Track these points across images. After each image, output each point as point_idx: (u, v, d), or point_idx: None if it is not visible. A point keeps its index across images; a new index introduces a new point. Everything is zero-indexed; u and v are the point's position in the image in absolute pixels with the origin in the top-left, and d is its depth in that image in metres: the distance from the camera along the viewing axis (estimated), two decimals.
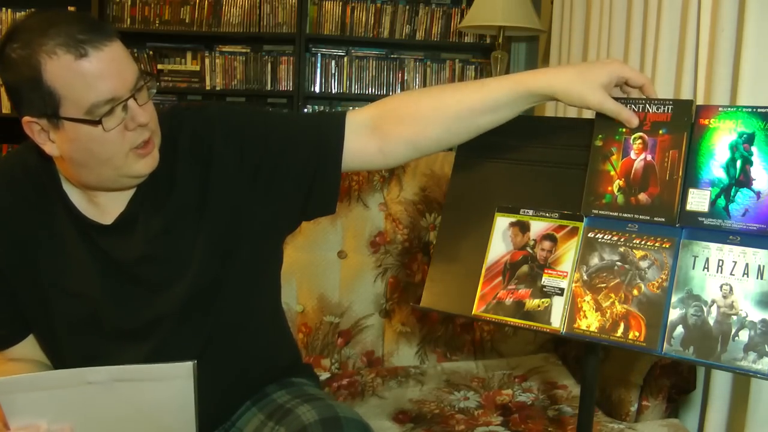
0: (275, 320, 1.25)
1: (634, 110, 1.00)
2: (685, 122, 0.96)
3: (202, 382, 0.96)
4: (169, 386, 0.91)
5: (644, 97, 1.00)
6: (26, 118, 0.94)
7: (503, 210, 1.05)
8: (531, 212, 1.03)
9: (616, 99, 1.00)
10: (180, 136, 1.06)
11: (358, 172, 1.75)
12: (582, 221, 0.99)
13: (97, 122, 0.91)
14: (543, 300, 0.98)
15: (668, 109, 0.98)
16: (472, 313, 1.02)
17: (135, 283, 1.04)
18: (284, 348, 1.28)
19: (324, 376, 1.64)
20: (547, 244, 1.00)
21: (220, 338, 1.08)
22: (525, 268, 1.01)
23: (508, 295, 1.00)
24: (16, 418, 0.88)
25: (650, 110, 0.99)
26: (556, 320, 0.96)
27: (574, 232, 0.99)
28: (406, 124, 1.05)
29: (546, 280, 0.99)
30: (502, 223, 1.04)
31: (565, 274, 0.97)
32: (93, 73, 0.90)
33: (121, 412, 0.92)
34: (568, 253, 0.98)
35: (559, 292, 0.97)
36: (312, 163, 1.07)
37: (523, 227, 1.02)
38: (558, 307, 0.97)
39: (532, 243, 1.01)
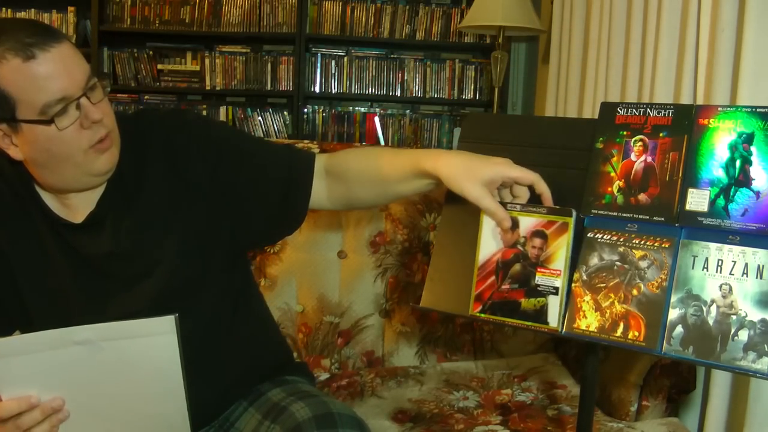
0: (258, 319, 1.26)
1: (635, 114, 1.00)
2: (686, 125, 0.96)
3: (189, 381, 0.99)
4: (154, 342, 0.93)
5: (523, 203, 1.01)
6: None
7: None
8: (518, 207, 1.00)
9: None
10: (152, 137, 1.09)
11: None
12: (571, 216, 0.96)
13: (50, 122, 0.94)
14: (538, 299, 0.97)
15: (669, 113, 0.98)
16: (469, 313, 1.01)
17: (105, 278, 1.07)
18: (272, 345, 1.29)
19: (324, 376, 1.64)
20: (537, 242, 0.98)
21: (200, 338, 1.09)
22: (517, 266, 0.99)
23: (504, 295, 0.99)
24: (6, 387, 0.90)
25: (651, 114, 0.99)
26: (553, 320, 0.95)
27: (564, 228, 0.97)
28: (341, 181, 1.12)
29: (539, 279, 0.97)
30: (489, 220, 1.01)
31: (558, 272, 0.96)
32: (42, 74, 0.93)
33: (109, 373, 0.94)
34: (560, 250, 0.96)
35: (554, 291, 0.96)
36: (284, 193, 1.12)
37: (512, 224, 1.00)
38: (554, 307, 0.96)
39: (522, 240, 0.99)
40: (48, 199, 1.06)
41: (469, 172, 0.97)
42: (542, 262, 0.97)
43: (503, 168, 0.98)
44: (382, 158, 1.09)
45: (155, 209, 1.07)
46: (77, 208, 1.06)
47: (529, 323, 0.97)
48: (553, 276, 0.96)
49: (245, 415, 1.17)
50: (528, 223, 0.99)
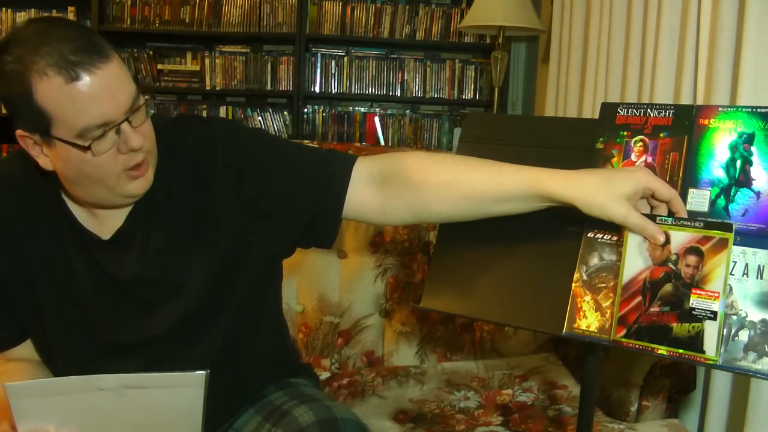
0: (275, 330, 1.24)
1: (636, 114, 1.00)
2: (686, 126, 0.96)
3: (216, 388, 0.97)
4: (180, 394, 0.92)
5: (673, 215, 0.91)
6: (19, 131, 0.92)
7: None
8: (670, 220, 0.90)
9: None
10: (181, 151, 1.03)
11: None
12: (731, 231, 0.86)
13: (86, 148, 0.89)
14: (693, 324, 0.86)
15: (669, 113, 0.98)
16: (612, 338, 0.91)
17: (128, 299, 1.03)
18: (284, 354, 1.27)
19: (324, 375, 1.64)
20: (692, 260, 0.88)
21: (218, 354, 1.08)
22: (669, 287, 0.89)
23: (652, 318, 0.89)
24: (24, 422, 0.89)
25: (652, 114, 0.99)
26: (711, 348, 0.85)
27: (722, 244, 0.87)
28: (412, 191, 0.99)
29: (695, 301, 0.87)
30: (635, 234, 0.91)
31: (716, 294, 0.86)
32: (85, 96, 0.86)
33: (128, 418, 0.93)
34: (719, 269, 0.86)
35: (712, 315, 0.86)
36: (312, 207, 1.03)
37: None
38: (711, 333, 0.85)
39: (674, 258, 0.89)
40: (77, 210, 1.02)
41: (609, 190, 0.88)
42: (697, 282, 0.87)
43: (644, 177, 0.89)
44: (476, 173, 0.97)
45: (182, 230, 1.03)
46: (105, 221, 1.02)
47: (682, 351, 0.87)
48: (710, 299, 0.86)
49: (245, 416, 1.16)
50: (680, 238, 0.89)
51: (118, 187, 0.95)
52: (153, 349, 1.05)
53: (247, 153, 1.03)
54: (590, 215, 0.90)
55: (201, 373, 0.90)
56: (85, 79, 0.86)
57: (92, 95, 0.87)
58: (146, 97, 0.94)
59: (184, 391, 0.92)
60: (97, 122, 0.88)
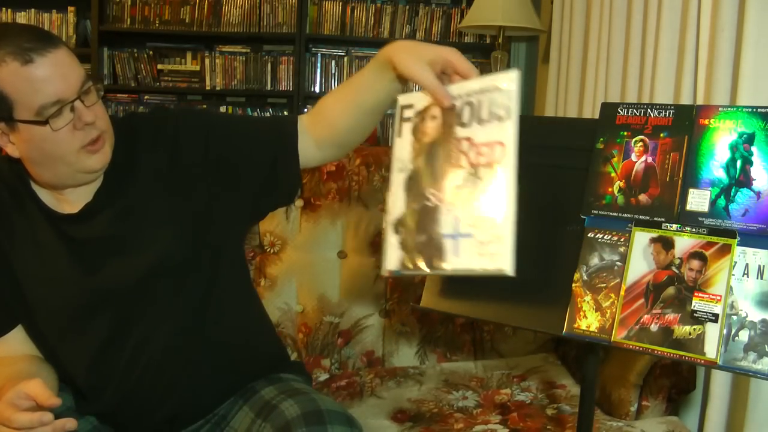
0: (251, 310, 1.28)
1: (636, 114, 1.00)
2: (687, 126, 0.96)
3: (182, 371, 1.04)
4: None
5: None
6: None
7: (641, 224, 0.96)
8: (675, 227, 0.92)
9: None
10: (141, 131, 1.14)
11: (359, 172, 1.75)
12: (735, 238, 0.89)
13: (45, 122, 0.99)
14: (694, 327, 0.88)
15: (670, 113, 0.98)
16: (612, 339, 0.93)
17: (99, 257, 1.09)
18: (267, 341, 1.30)
19: (323, 377, 1.64)
20: (695, 264, 0.90)
21: (191, 320, 1.12)
22: (671, 290, 0.91)
23: (653, 321, 0.91)
24: None
25: (652, 114, 0.99)
26: (711, 350, 0.86)
27: (725, 249, 0.89)
28: (324, 122, 1.15)
29: (697, 304, 0.89)
30: (641, 238, 0.94)
31: (718, 297, 0.87)
32: (39, 77, 0.98)
33: None
34: (721, 273, 0.88)
35: (713, 318, 0.87)
36: (272, 152, 1.15)
37: (666, 243, 0.93)
38: (713, 335, 0.87)
39: (678, 262, 0.91)
40: (44, 195, 1.10)
41: (414, 52, 1.01)
42: (700, 286, 0.89)
43: (447, 52, 1.00)
44: (351, 77, 1.14)
45: (150, 196, 1.11)
46: (74, 202, 1.10)
47: (683, 353, 0.88)
48: (712, 302, 0.88)
49: (240, 413, 1.17)
50: (684, 243, 0.92)
51: (78, 162, 1.03)
52: (125, 303, 1.10)
53: (208, 122, 1.16)
54: (402, 74, 1.03)
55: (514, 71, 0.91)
56: (38, 62, 0.97)
57: (45, 76, 0.98)
58: (96, 81, 1.04)
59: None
60: (51, 100, 0.98)
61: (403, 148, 1.05)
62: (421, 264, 0.98)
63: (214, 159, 1.13)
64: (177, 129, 1.14)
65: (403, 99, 1.09)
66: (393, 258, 1.01)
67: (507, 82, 0.94)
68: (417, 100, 1.08)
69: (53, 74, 0.98)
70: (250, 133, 1.18)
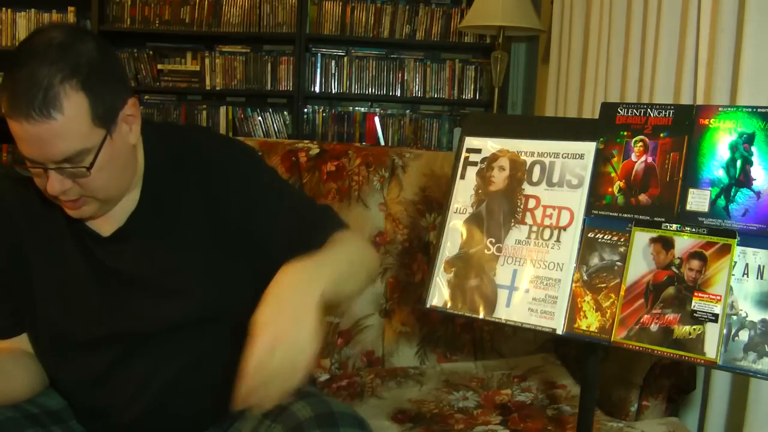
0: None
1: (636, 114, 1.00)
2: (687, 126, 0.96)
3: (185, 403, 1.01)
4: None
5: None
6: None
7: (641, 224, 0.96)
8: (675, 227, 0.93)
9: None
10: (195, 164, 1.07)
11: (359, 172, 1.76)
12: (734, 237, 0.89)
13: (22, 164, 0.95)
14: (694, 327, 0.88)
15: (670, 113, 0.98)
16: (612, 339, 0.93)
17: (126, 291, 1.05)
18: None
19: (323, 377, 1.64)
20: (695, 264, 0.90)
21: (205, 365, 1.09)
22: (671, 290, 0.91)
23: (653, 320, 0.91)
24: None
25: (652, 114, 0.99)
26: (711, 350, 0.87)
27: (725, 249, 0.89)
28: None
29: (697, 304, 0.89)
30: (641, 238, 0.94)
31: (718, 297, 0.87)
32: (18, 134, 0.92)
33: None
34: (721, 273, 0.88)
35: (713, 318, 0.87)
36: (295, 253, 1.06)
37: (666, 243, 0.93)
38: (713, 335, 0.87)
39: (677, 262, 0.91)
40: None
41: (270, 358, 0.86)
42: (700, 286, 0.89)
43: (259, 392, 0.86)
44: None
45: (186, 237, 1.06)
46: (105, 221, 1.05)
47: (683, 353, 0.89)
48: (712, 302, 0.88)
49: (245, 413, 1.16)
50: (684, 243, 0.92)
51: (60, 204, 0.99)
52: (139, 341, 1.06)
53: (261, 190, 1.09)
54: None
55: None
56: (21, 123, 0.90)
57: (23, 137, 0.91)
58: (81, 168, 0.94)
59: None
60: (23, 154, 0.93)
61: (465, 192, 1.09)
62: (469, 307, 1.02)
63: (249, 230, 1.07)
64: (228, 181, 1.07)
65: (469, 142, 1.11)
66: (439, 295, 1.05)
67: (583, 152, 0.98)
68: (484, 146, 1.10)
69: (31, 141, 0.91)
70: (288, 230, 1.08)
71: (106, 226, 1.05)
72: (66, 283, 1.05)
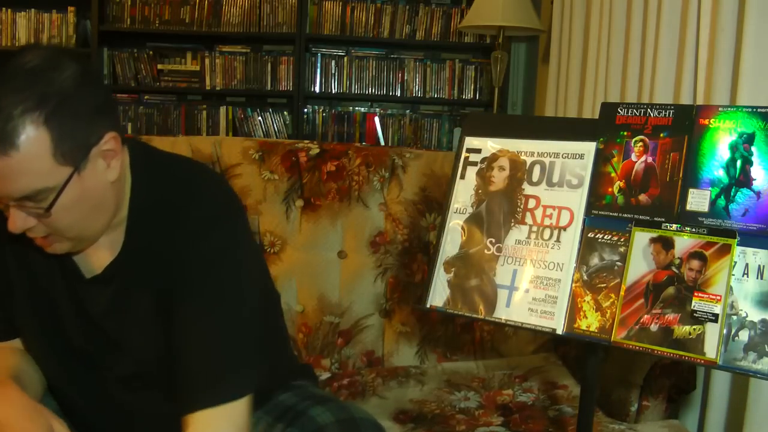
0: (272, 340, 1.20)
1: (636, 114, 1.00)
2: (687, 126, 0.96)
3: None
4: None
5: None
6: None
7: (641, 224, 0.96)
8: (675, 227, 0.92)
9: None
10: (170, 223, 0.98)
11: (359, 172, 1.76)
12: (734, 238, 0.89)
13: None
14: (694, 327, 0.88)
15: (670, 113, 0.98)
16: (612, 339, 0.93)
17: (97, 334, 1.03)
18: (283, 361, 1.25)
19: (324, 376, 1.64)
20: (695, 264, 0.90)
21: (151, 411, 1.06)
22: (671, 290, 0.91)
23: (653, 320, 0.91)
24: None
25: (652, 114, 0.99)
26: (711, 350, 0.86)
27: (725, 249, 0.89)
28: None
29: (697, 304, 0.88)
30: (641, 238, 0.94)
31: (718, 297, 0.87)
32: None
33: None
34: (721, 273, 0.88)
35: (713, 318, 0.87)
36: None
37: (666, 243, 0.93)
38: (713, 335, 0.86)
39: (677, 262, 0.91)
40: None
41: None
42: (700, 286, 0.89)
43: None
44: None
45: (150, 300, 1.00)
46: (92, 256, 1.01)
47: (683, 353, 0.88)
48: (712, 302, 0.88)
49: (252, 419, 1.15)
50: (684, 243, 0.91)
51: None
52: (121, 382, 1.04)
53: (201, 298, 0.98)
54: None
55: None
56: None
57: None
58: (40, 210, 0.88)
59: None
60: None
61: (465, 192, 1.09)
62: (469, 307, 1.03)
63: (173, 321, 0.98)
64: (183, 273, 0.97)
65: (469, 142, 1.11)
66: (440, 295, 1.05)
67: (583, 152, 0.98)
68: (484, 146, 1.10)
69: None
70: (187, 357, 0.97)
71: (91, 265, 1.01)
72: (49, 316, 1.03)
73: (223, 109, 3.95)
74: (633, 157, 0.99)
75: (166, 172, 1.02)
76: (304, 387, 1.20)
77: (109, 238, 1.00)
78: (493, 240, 1.05)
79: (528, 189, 1.04)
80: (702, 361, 0.87)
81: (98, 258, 1.01)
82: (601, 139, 1.02)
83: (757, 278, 0.87)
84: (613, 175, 1.00)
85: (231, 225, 1.00)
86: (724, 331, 0.87)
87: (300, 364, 1.34)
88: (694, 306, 0.89)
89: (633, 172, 0.99)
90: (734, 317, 0.87)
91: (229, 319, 0.97)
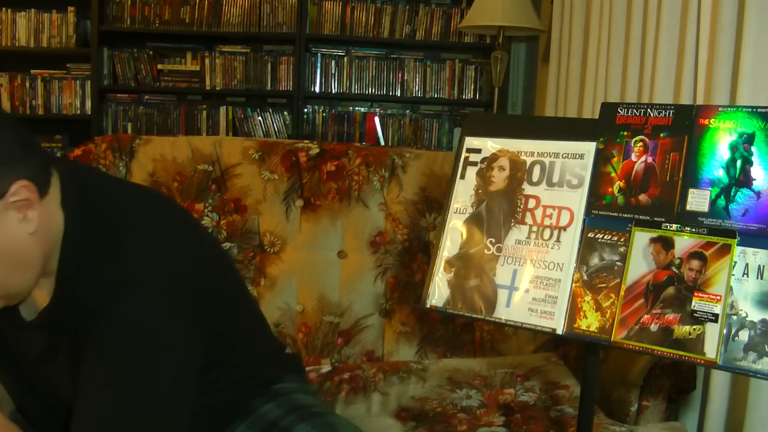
0: (245, 355, 1.13)
1: (636, 114, 1.00)
2: (686, 126, 0.96)
3: None
4: None
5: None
6: None
7: (641, 224, 0.96)
8: (675, 227, 0.92)
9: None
10: (96, 279, 0.91)
11: (359, 172, 1.76)
12: (734, 237, 0.89)
13: None
14: (694, 327, 0.88)
15: (670, 113, 0.98)
16: (612, 339, 0.93)
17: (39, 378, 1.03)
18: (264, 364, 1.19)
19: (325, 369, 1.63)
20: (695, 264, 0.90)
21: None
22: (671, 290, 0.91)
23: (653, 320, 0.91)
24: None
25: (652, 114, 0.99)
26: (711, 350, 0.87)
27: (725, 249, 0.89)
28: None
29: (697, 304, 0.88)
30: (641, 238, 0.94)
31: (718, 297, 0.87)
32: None
33: None
34: (721, 273, 0.88)
35: (713, 318, 0.87)
36: None
37: (666, 243, 0.93)
38: (713, 335, 0.87)
39: (677, 262, 0.91)
40: None
41: None
42: (700, 286, 0.89)
43: None
44: None
45: (72, 355, 0.94)
46: (30, 301, 0.97)
47: (683, 353, 0.88)
48: (712, 302, 0.88)
49: None
50: (684, 243, 0.92)
51: None
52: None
53: (95, 369, 0.90)
54: None
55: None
56: None
57: None
58: None
59: None
60: None
61: (465, 192, 1.09)
62: (469, 307, 1.03)
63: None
64: (94, 335, 0.89)
65: (469, 142, 1.11)
66: (439, 295, 1.05)
67: (583, 152, 0.98)
68: (484, 146, 1.10)
69: None
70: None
71: (30, 310, 0.97)
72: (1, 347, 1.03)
73: (223, 109, 3.95)
74: (633, 157, 0.99)
75: (100, 215, 0.95)
76: (287, 394, 1.15)
77: (49, 280, 0.94)
78: (493, 240, 1.05)
79: (528, 189, 1.04)
80: (702, 361, 0.87)
81: (40, 302, 0.96)
82: (601, 139, 1.02)
83: (757, 278, 0.87)
84: (613, 175, 1.00)
85: (152, 288, 0.90)
86: (724, 331, 0.87)
87: (285, 356, 1.27)
88: (694, 306, 0.89)
89: (633, 172, 0.99)
90: (734, 317, 0.87)
91: (121, 402, 0.87)
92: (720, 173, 0.93)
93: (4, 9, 3.73)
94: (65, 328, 0.93)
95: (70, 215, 0.92)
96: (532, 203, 1.03)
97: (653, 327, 0.91)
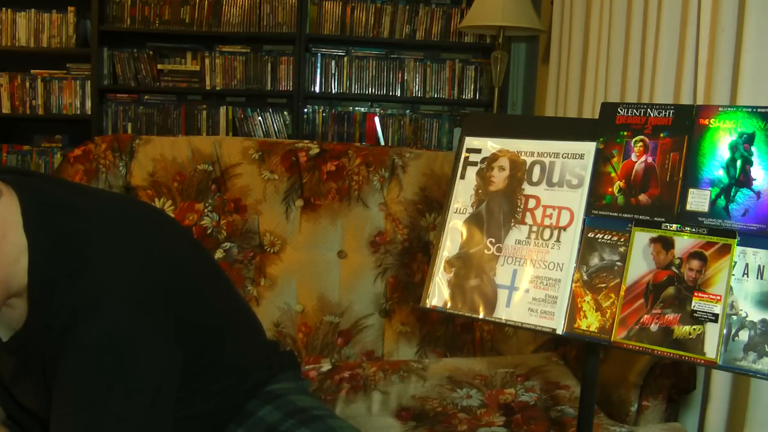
0: (234, 357, 1.12)
1: (636, 114, 1.00)
2: (687, 126, 0.96)
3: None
4: None
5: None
6: None
7: (641, 224, 0.95)
8: (675, 227, 0.92)
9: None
10: (69, 306, 0.89)
11: (358, 172, 1.76)
12: (734, 237, 0.89)
13: None
14: (694, 327, 0.88)
15: (670, 113, 0.98)
16: (612, 339, 0.93)
17: (13, 399, 1.03)
18: (255, 367, 1.17)
19: (325, 367, 1.63)
20: (695, 264, 0.90)
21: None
22: (671, 290, 0.91)
23: (653, 320, 0.91)
24: None
25: (652, 114, 0.99)
26: (711, 350, 0.86)
27: (725, 249, 0.89)
28: None
29: (697, 304, 0.88)
30: (641, 238, 0.94)
31: (718, 297, 0.87)
32: None
33: None
34: (721, 273, 0.88)
35: (713, 318, 0.87)
36: None
37: (666, 243, 0.92)
38: (713, 335, 0.86)
39: (677, 262, 0.91)
40: None
41: None
42: (700, 286, 0.89)
43: None
44: None
45: (45, 374, 0.94)
46: (6, 322, 0.97)
47: (683, 353, 0.88)
48: (712, 301, 0.88)
49: None
50: (684, 243, 0.92)
51: None
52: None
53: (74, 365, 0.89)
54: None
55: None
56: None
57: None
58: None
59: None
60: None
61: (465, 192, 1.09)
62: (469, 307, 1.03)
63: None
64: (69, 349, 0.88)
65: (469, 142, 1.11)
66: (439, 295, 1.05)
67: (583, 152, 0.98)
68: (484, 146, 1.10)
69: None
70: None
71: (6, 331, 0.97)
72: None
73: (223, 109, 3.96)
74: (633, 157, 0.99)
75: (64, 237, 0.93)
76: (284, 395, 1.14)
77: (24, 302, 0.93)
78: (493, 240, 1.05)
79: (528, 189, 1.04)
80: (702, 361, 0.87)
81: (16, 323, 0.95)
82: (601, 139, 1.02)
83: (757, 278, 0.87)
84: (613, 175, 1.00)
85: (118, 308, 0.89)
86: (724, 331, 0.87)
87: (279, 355, 1.25)
88: (694, 306, 0.89)
89: (633, 172, 0.99)
90: (734, 317, 0.87)
91: (97, 425, 0.87)
92: (720, 173, 0.93)
93: (4, 9, 3.73)
94: (35, 352, 0.92)
95: (33, 240, 0.91)
96: (532, 203, 1.03)
97: (653, 327, 0.91)
